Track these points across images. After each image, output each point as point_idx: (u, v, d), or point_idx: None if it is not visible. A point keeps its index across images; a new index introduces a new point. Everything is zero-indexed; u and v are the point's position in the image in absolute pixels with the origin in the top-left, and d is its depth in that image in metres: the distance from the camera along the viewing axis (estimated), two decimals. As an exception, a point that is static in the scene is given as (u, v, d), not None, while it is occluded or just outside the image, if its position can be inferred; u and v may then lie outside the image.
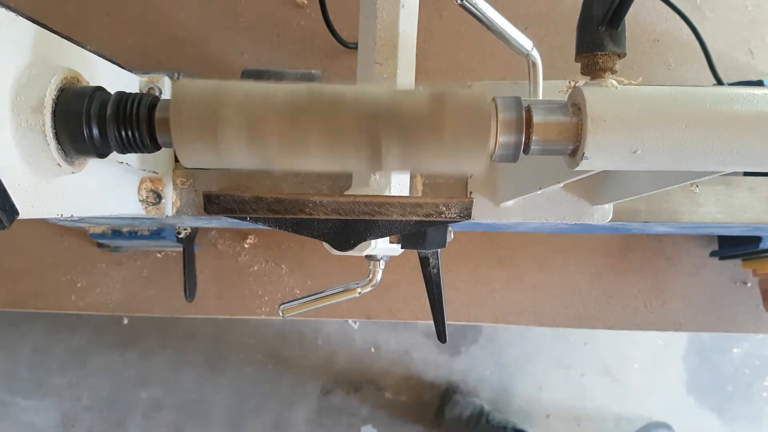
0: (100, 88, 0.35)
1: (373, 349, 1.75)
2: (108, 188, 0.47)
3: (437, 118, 0.30)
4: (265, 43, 0.78)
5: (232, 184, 0.58)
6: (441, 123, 0.30)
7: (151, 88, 0.51)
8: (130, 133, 0.34)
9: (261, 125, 0.30)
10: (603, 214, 0.55)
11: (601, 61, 0.35)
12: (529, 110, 0.33)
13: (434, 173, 0.58)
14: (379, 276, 0.54)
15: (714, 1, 0.80)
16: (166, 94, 0.52)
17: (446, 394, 1.67)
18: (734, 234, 0.72)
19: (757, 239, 0.70)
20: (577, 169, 0.34)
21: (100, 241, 0.73)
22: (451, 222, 0.36)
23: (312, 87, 0.31)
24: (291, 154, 0.31)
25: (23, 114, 0.32)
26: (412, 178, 0.56)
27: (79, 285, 0.78)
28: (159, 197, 0.55)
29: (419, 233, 0.49)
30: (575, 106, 0.33)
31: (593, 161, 0.33)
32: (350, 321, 1.73)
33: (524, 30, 0.42)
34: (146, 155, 0.50)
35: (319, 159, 0.32)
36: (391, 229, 0.37)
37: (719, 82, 0.73)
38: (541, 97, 0.45)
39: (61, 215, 0.38)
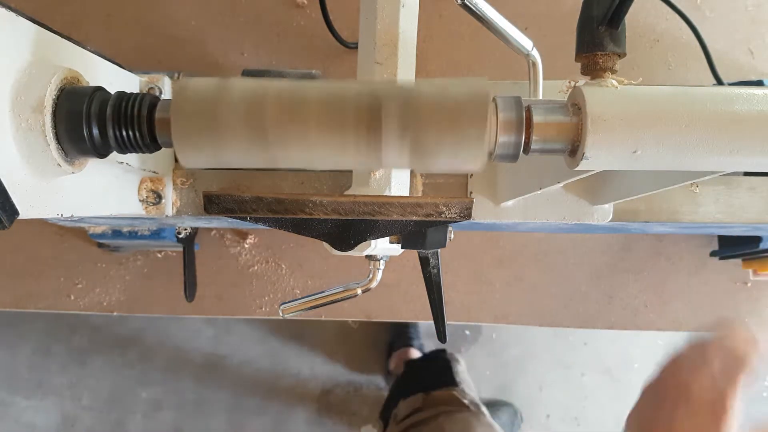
0: (100, 88, 0.35)
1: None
2: (108, 188, 0.47)
3: (439, 105, 0.30)
4: (265, 43, 0.78)
5: (232, 184, 0.58)
6: (441, 111, 0.30)
7: (151, 88, 0.51)
8: (130, 133, 0.34)
9: (261, 124, 0.30)
10: (603, 214, 0.55)
11: (601, 61, 0.35)
12: (529, 110, 0.33)
13: (435, 169, 0.58)
14: (379, 276, 0.54)
15: (714, 1, 0.80)
16: (166, 94, 0.52)
17: None
18: (734, 234, 0.72)
19: (757, 239, 0.70)
20: (577, 169, 0.34)
21: (100, 241, 0.73)
22: (451, 222, 0.36)
23: (312, 83, 0.31)
24: (292, 153, 0.31)
25: (23, 114, 0.32)
26: (412, 178, 0.56)
27: (79, 285, 0.78)
28: (159, 197, 0.55)
29: (419, 233, 0.49)
30: (575, 106, 0.33)
31: (593, 161, 0.33)
32: (350, 321, 1.73)
33: (524, 30, 0.42)
34: (146, 155, 0.50)
35: (319, 156, 0.32)
36: (391, 229, 0.37)
37: (719, 82, 0.73)
38: (541, 97, 0.45)
39: (61, 215, 0.38)
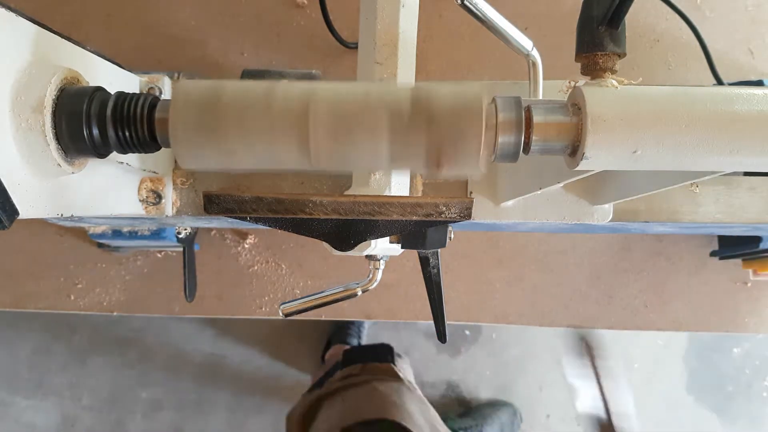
0: (100, 88, 0.35)
1: (373, 349, 1.75)
2: (108, 188, 0.47)
3: (432, 120, 0.30)
4: (265, 43, 0.78)
5: (232, 184, 0.58)
6: (437, 125, 0.30)
7: (151, 88, 0.51)
8: (129, 133, 0.34)
9: (261, 126, 0.30)
10: (603, 214, 0.55)
11: (601, 61, 0.35)
12: (529, 110, 0.33)
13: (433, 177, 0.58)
14: (379, 276, 0.54)
15: (714, 1, 0.80)
16: (166, 94, 0.52)
17: None
18: (734, 234, 0.72)
19: (757, 239, 0.70)
20: (577, 169, 0.34)
21: (100, 241, 0.73)
22: (451, 222, 0.36)
23: (312, 86, 0.31)
24: (290, 157, 0.31)
25: (23, 114, 0.32)
26: (412, 178, 0.56)
27: (79, 285, 0.78)
28: (159, 197, 0.55)
29: (419, 233, 0.49)
30: (575, 106, 0.33)
31: (593, 161, 0.33)
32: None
33: (524, 30, 0.42)
34: (146, 155, 0.50)
35: (318, 161, 0.32)
36: (391, 229, 0.37)
37: (719, 82, 0.73)
38: (541, 97, 0.45)
39: (61, 215, 0.38)
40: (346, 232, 0.37)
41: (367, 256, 0.53)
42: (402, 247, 0.51)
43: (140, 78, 0.51)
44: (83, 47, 0.39)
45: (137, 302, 0.79)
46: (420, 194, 0.58)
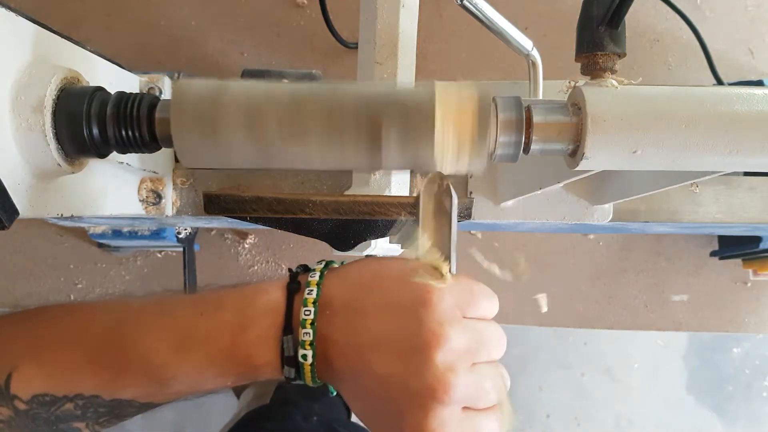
0: (100, 88, 0.35)
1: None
2: (108, 188, 0.47)
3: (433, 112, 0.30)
4: (265, 43, 0.78)
5: (232, 184, 0.58)
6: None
7: (151, 88, 0.51)
8: (130, 132, 0.34)
9: (261, 125, 0.30)
10: (603, 214, 0.55)
11: (601, 61, 0.35)
12: (529, 110, 0.33)
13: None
14: (379, 276, 0.54)
15: (714, 1, 0.80)
16: (166, 94, 0.52)
17: None
18: (734, 234, 0.72)
19: (757, 239, 0.70)
20: (577, 169, 0.34)
21: (100, 241, 0.73)
22: (451, 222, 0.36)
23: (312, 85, 0.31)
24: (291, 153, 0.31)
25: (23, 114, 0.32)
26: (412, 177, 0.56)
27: (79, 285, 0.78)
28: (159, 197, 0.55)
29: (419, 233, 0.48)
30: (575, 106, 0.33)
31: (593, 161, 0.33)
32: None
33: (524, 30, 0.42)
34: (146, 155, 0.50)
35: (319, 157, 0.32)
36: (391, 228, 0.37)
37: (719, 82, 0.73)
38: (541, 97, 0.45)
39: (61, 215, 0.38)
40: (346, 232, 0.37)
41: (367, 256, 0.52)
42: (402, 247, 0.51)
43: (140, 78, 0.51)
44: (83, 47, 0.39)
45: (137, 302, 0.78)
46: (420, 194, 0.58)
